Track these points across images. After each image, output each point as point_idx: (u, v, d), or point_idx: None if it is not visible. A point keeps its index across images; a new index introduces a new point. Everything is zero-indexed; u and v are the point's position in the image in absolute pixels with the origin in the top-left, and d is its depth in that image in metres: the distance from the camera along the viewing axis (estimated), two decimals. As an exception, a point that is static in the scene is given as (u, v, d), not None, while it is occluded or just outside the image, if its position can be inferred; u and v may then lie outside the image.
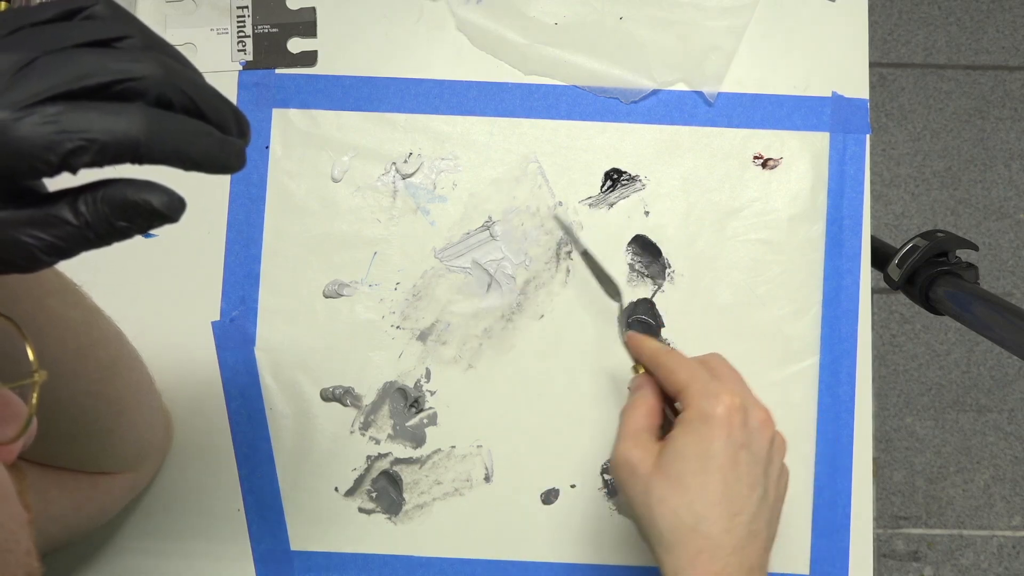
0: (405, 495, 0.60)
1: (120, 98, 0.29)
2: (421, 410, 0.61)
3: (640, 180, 0.62)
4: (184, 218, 0.30)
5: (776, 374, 0.61)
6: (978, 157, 1.50)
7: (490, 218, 0.62)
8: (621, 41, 0.63)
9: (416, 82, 0.63)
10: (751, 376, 0.60)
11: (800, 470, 0.60)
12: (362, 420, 0.61)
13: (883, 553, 1.41)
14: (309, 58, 0.63)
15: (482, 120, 0.62)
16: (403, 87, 0.63)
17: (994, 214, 1.49)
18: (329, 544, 0.60)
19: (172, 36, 0.62)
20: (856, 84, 0.63)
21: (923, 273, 0.70)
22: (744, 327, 0.61)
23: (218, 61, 0.63)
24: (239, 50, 0.63)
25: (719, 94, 0.62)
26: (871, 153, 0.62)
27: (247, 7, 0.63)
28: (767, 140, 0.62)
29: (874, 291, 0.83)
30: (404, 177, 0.62)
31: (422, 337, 0.61)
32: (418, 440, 0.61)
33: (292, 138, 0.62)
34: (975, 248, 0.71)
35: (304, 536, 0.60)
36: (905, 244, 0.72)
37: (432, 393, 0.61)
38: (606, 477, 0.61)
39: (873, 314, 0.94)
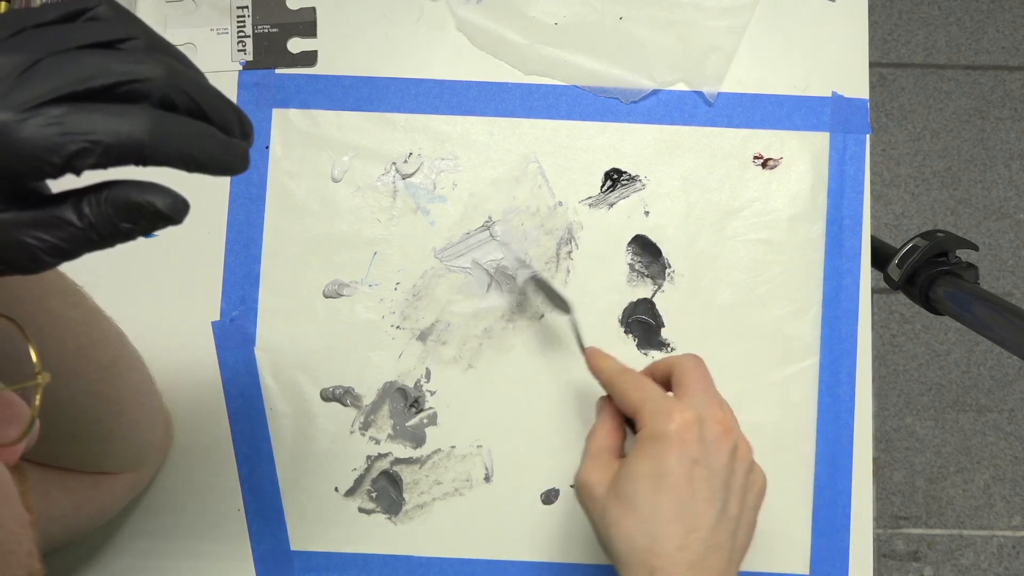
0: (405, 495, 0.60)
1: (124, 100, 0.29)
2: (421, 410, 0.61)
3: (640, 180, 0.62)
4: (185, 218, 0.30)
5: (776, 374, 0.61)
6: (978, 157, 1.50)
7: (490, 218, 0.62)
8: (621, 41, 0.63)
9: (416, 82, 0.63)
10: (751, 376, 0.60)
11: (800, 470, 0.60)
12: (362, 420, 0.61)
13: (883, 553, 1.41)
14: (309, 58, 0.63)
15: (482, 120, 0.63)
16: (403, 87, 0.63)
17: (994, 214, 1.49)
18: (329, 544, 0.60)
19: (172, 36, 0.62)
20: (856, 84, 0.63)
21: (923, 273, 0.70)
22: (744, 327, 0.61)
23: (218, 61, 0.63)
24: (239, 50, 0.63)
25: (719, 94, 0.62)
26: (871, 153, 0.62)
27: (247, 7, 0.63)
28: (767, 140, 0.62)
29: (874, 291, 0.83)
30: (404, 177, 0.62)
31: (422, 337, 0.61)
32: (418, 440, 0.61)
33: (292, 138, 0.62)
34: (975, 248, 0.71)
35: (304, 536, 0.60)
36: (905, 244, 0.72)
37: (432, 393, 0.61)
38: (606, 477, 0.61)
39: (873, 314, 0.94)
